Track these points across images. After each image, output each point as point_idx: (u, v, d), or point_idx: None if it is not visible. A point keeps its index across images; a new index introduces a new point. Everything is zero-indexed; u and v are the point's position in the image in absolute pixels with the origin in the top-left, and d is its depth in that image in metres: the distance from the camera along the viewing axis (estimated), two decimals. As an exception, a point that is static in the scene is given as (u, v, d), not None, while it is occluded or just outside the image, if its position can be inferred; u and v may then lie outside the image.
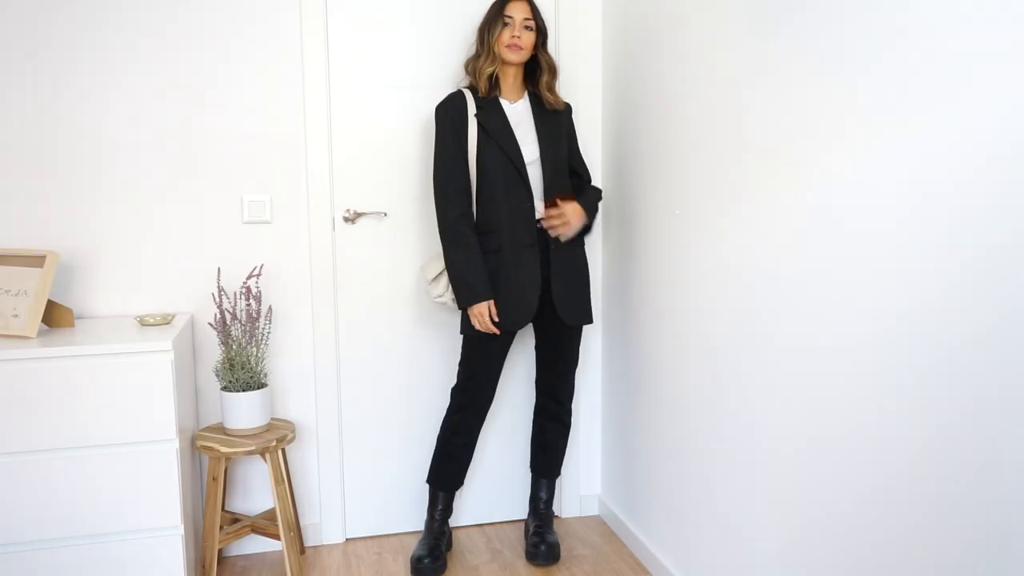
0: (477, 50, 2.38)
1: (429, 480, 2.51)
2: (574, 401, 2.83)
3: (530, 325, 2.57)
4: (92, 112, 2.36)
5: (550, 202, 2.35)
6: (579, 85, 2.72)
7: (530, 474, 2.66)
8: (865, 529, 1.49)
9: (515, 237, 2.31)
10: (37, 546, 2.03)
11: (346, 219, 2.60)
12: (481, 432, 2.75)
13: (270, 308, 2.39)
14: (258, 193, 2.51)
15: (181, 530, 2.11)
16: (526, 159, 2.33)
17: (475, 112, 2.32)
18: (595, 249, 2.80)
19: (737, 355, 1.91)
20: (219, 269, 2.45)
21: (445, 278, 2.39)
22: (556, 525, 2.78)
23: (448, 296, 2.40)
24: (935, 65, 1.27)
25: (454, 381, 2.72)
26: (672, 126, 2.21)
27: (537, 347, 2.54)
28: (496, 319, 2.30)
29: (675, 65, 2.18)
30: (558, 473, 2.62)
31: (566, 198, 2.35)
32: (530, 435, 2.66)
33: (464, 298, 2.30)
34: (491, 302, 2.29)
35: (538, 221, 2.35)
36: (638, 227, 2.46)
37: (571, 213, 2.32)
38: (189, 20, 2.40)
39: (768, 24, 1.72)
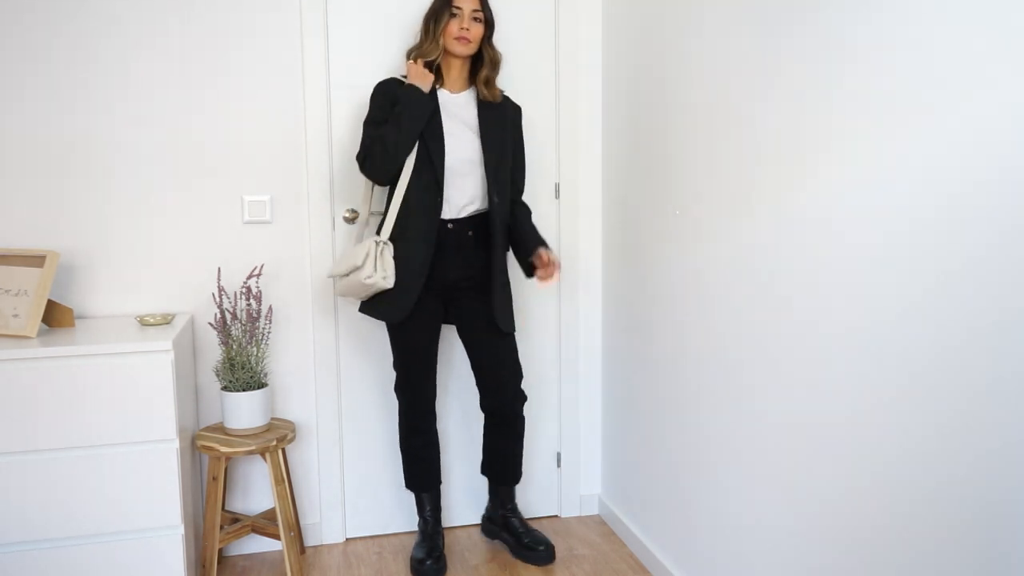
0: (420, 39, 2.34)
1: (407, 486, 2.52)
2: (575, 402, 2.84)
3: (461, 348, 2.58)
4: (92, 113, 2.36)
5: (537, 258, 2.34)
6: (579, 85, 2.72)
7: (489, 484, 2.60)
8: (867, 531, 1.49)
9: (418, 231, 2.28)
10: (37, 546, 2.03)
11: (346, 219, 2.60)
12: (475, 430, 2.74)
13: (270, 308, 2.39)
14: (258, 193, 2.51)
15: (181, 530, 2.11)
16: (451, 156, 2.29)
17: None
18: (595, 249, 2.80)
19: (737, 355, 1.91)
20: (219, 269, 2.45)
21: (370, 260, 2.25)
22: (556, 525, 2.79)
23: (378, 276, 2.23)
24: (937, 67, 1.27)
25: (453, 380, 2.73)
26: (672, 126, 2.21)
27: (473, 366, 2.47)
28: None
29: (675, 66, 2.18)
30: (520, 477, 2.58)
31: (537, 252, 2.34)
32: (484, 443, 2.58)
33: (409, 98, 2.25)
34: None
35: (448, 223, 2.32)
36: (638, 227, 2.46)
37: (556, 263, 2.34)
38: (189, 21, 2.40)
39: (769, 24, 1.72)
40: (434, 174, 2.28)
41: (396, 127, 2.24)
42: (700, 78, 2.04)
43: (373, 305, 2.35)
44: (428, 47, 2.30)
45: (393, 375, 2.64)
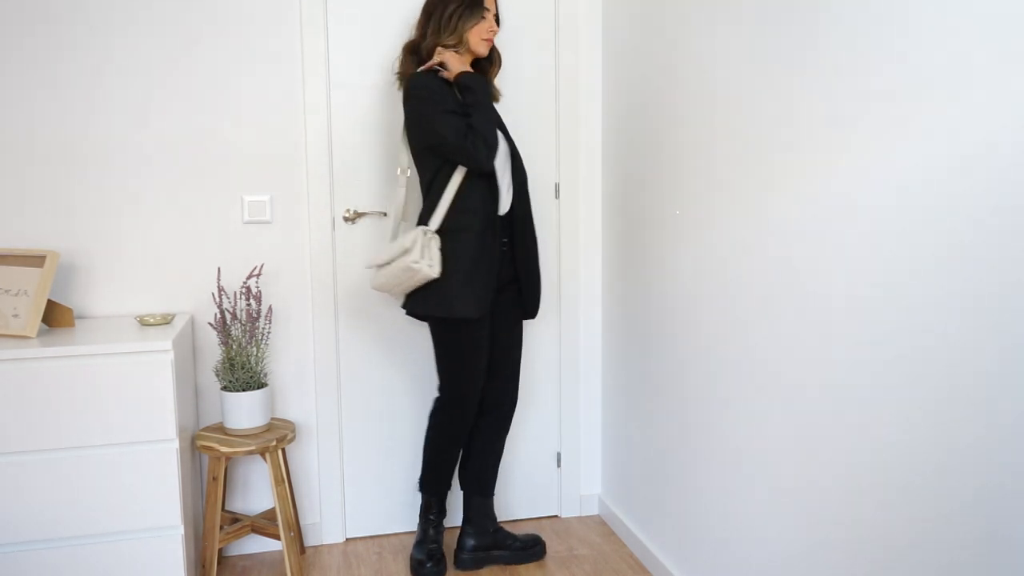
0: (440, 36, 2.25)
1: (424, 489, 2.46)
2: (575, 402, 2.84)
3: None
4: (93, 113, 2.36)
5: None
6: (579, 85, 2.72)
7: (473, 504, 2.51)
8: (867, 529, 1.49)
9: (482, 224, 2.25)
10: (37, 546, 2.03)
11: (346, 219, 2.60)
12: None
13: (270, 308, 2.39)
14: (258, 193, 2.51)
15: (181, 530, 2.11)
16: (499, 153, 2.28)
17: (460, 97, 2.24)
18: (595, 249, 2.80)
19: (737, 355, 1.91)
20: (219, 269, 2.45)
21: (418, 246, 2.20)
22: (556, 525, 2.79)
23: (424, 263, 2.19)
24: (938, 67, 1.27)
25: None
26: (672, 126, 2.21)
27: (491, 360, 2.44)
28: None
29: (676, 65, 2.18)
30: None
31: None
32: (469, 451, 2.50)
33: (482, 84, 2.23)
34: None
35: (505, 219, 2.32)
36: (638, 227, 2.46)
37: None
38: (190, 22, 2.40)
39: (770, 24, 1.72)
40: (491, 174, 2.25)
41: (485, 111, 2.19)
42: (700, 77, 2.03)
43: (441, 302, 2.23)
44: (449, 41, 2.25)
45: (387, 387, 2.64)
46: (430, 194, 2.28)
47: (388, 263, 2.22)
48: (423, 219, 2.28)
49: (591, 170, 2.77)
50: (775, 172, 1.72)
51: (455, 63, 2.24)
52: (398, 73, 2.37)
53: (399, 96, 2.57)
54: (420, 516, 2.50)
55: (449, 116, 2.17)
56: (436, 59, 2.25)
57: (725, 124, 1.92)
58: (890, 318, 1.40)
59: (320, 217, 2.55)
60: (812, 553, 1.66)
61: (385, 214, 2.62)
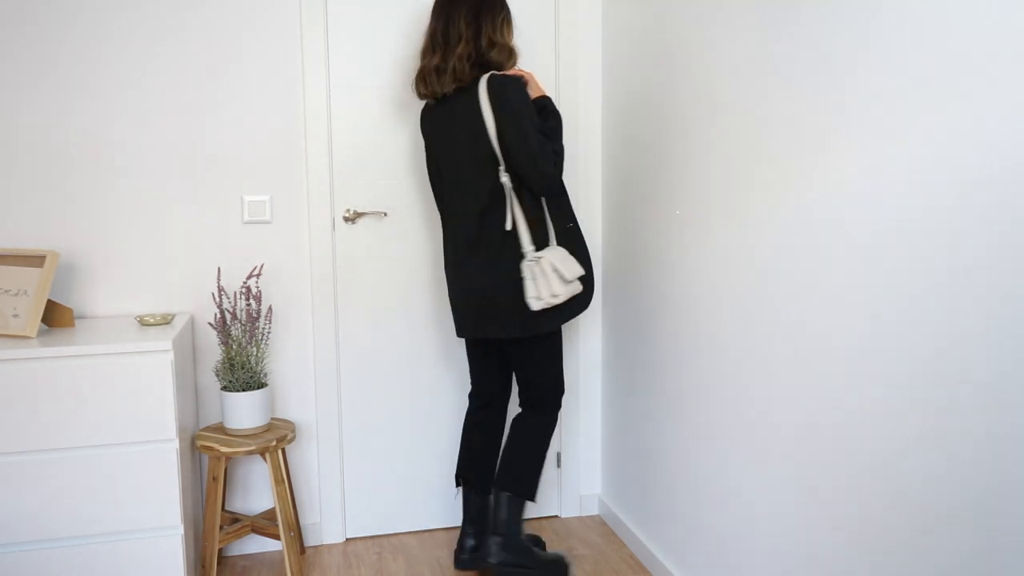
0: (508, 56, 2.19)
1: (533, 493, 2.34)
2: (575, 402, 2.84)
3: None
4: (93, 113, 2.37)
5: None
6: (579, 85, 2.72)
7: (491, 492, 2.46)
8: (867, 532, 1.49)
9: (574, 219, 2.28)
10: (37, 546, 2.03)
11: (346, 219, 2.60)
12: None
13: (270, 308, 2.39)
14: (258, 193, 2.51)
15: (181, 530, 2.12)
16: None
17: None
18: (595, 248, 2.80)
19: (737, 356, 1.91)
20: (219, 269, 2.45)
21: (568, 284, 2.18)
22: (556, 525, 2.80)
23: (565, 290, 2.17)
24: (935, 69, 1.27)
25: (452, 381, 2.73)
26: (673, 125, 2.21)
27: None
28: None
29: (675, 65, 2.18)
30: None
31: None
32: (494, 447, 2.47)
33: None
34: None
35: None
36: (638, 227, 2.46)
37: None
38: (190, 22, 2.40)
39: (770, 26, 1.72)
40: None
41: (561, 139, 2.21)
42: (701, 76, 2.03)
43: (569, 308, 2.22)
44: (512, 59, 2.22)
45: (387, 387, 2.64)
46: (524, 208, 2.17)
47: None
48: (544, 236, 2.19)
49: (591, 170, 2.77)
50: (778, 171, 1.72)
51: (538, 84, 2.25)
52: (456, 85, 2.17)
53: (401, 96, 2.58)
54: (520, 517, 2.34)
55: (544, 139, 2.14)
56: (519, 72, 2.20)
57: (726, 124, 1.92)
58: (894, 320, 1.40)
59: (320, 217, 2.55)
60: (812, 553, 1.66)
61: (385, 214, 2.62)
